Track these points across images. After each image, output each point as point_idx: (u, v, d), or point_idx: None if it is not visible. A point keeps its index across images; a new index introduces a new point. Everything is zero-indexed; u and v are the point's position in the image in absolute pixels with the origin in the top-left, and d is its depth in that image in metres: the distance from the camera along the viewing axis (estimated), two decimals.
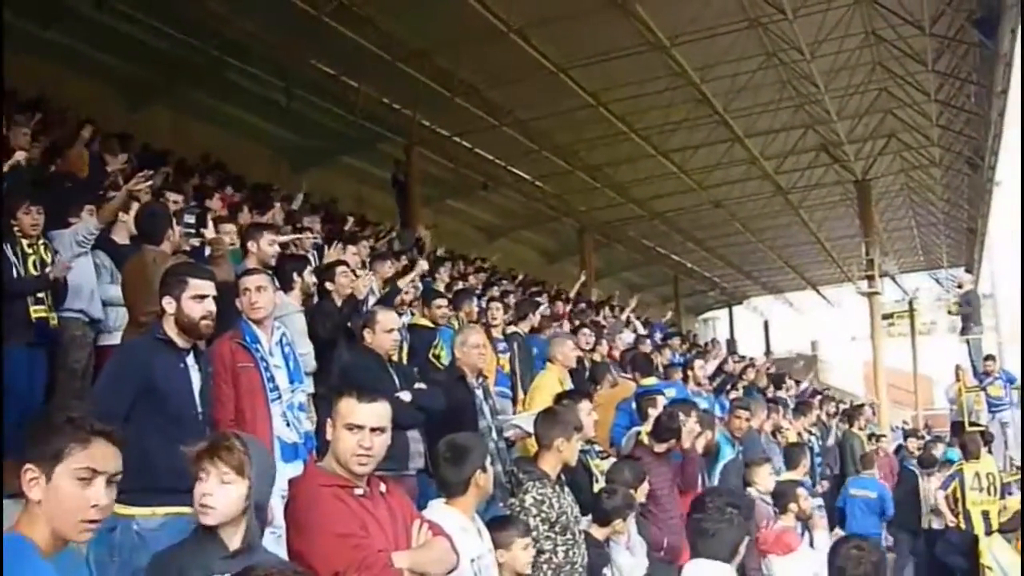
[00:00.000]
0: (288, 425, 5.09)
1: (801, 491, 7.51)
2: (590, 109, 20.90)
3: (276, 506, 4.51)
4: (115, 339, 6.46)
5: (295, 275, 7.09)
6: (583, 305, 18.36)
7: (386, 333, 6.11)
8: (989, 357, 17.53)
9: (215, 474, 3.02)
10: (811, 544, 7.65)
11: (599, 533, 5.40)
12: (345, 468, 3.47)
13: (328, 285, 7.53)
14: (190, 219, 8.44)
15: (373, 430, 3.50)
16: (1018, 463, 17.73)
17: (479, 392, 6.60)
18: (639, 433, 7.05)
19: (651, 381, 9.17)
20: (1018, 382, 17.82)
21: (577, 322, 13.46)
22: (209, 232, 6.91)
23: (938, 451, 14.22)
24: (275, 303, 5.52)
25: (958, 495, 11.46)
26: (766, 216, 31.53)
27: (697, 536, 3.74)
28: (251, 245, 6.93)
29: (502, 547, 4.35)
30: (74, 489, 2.44)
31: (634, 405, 7.92)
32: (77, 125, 10.82)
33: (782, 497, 7.44)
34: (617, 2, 16.31)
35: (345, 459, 3.46)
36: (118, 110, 16.46)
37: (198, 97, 18.36)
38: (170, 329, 4.37)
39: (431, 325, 8.48)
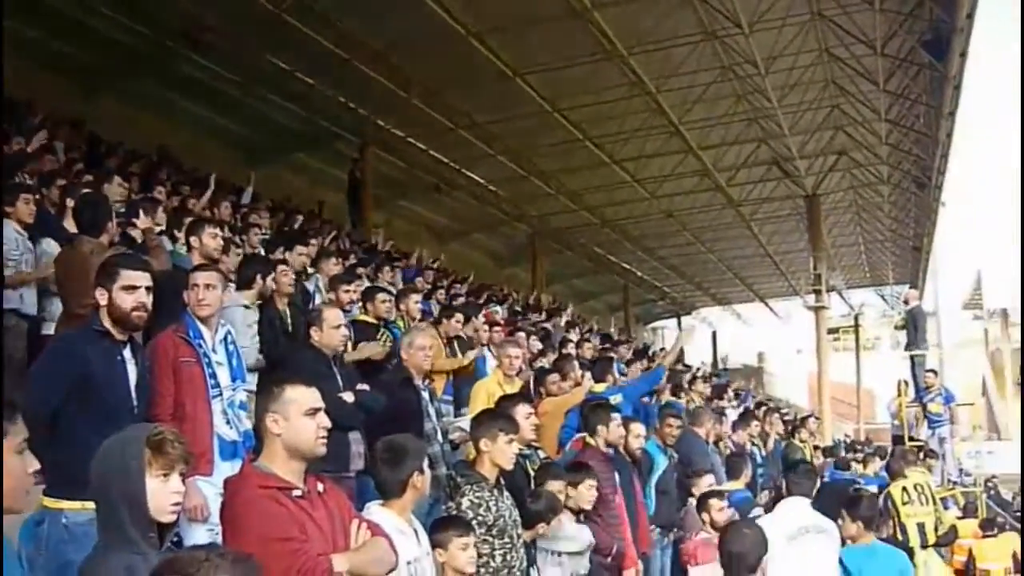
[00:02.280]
0: (228, 423, 5.03)
1: (714, 502, 7.51)
2: (546, 115, 20.95)
3: (212, 503, 4.47)
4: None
5: (258, 277, 7.03)
6: (533, 313, 18.37)
7: (334, 329, 6.08)
8: (931, 371, 17.81)
9: (178, 470, 2.93)
10: None
11: (525, 535, 5.38)
12: (307, 455, 3.42)
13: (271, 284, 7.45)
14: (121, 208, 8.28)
15: None
16: (954, 478, 18.09)
17: (425, 394, 6.59)
18: (584, 437, 7.06)
19: (601, 388, 9.18)
20: (956, 400, 18.14)
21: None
22: (142, 222, 6.82)
23: (876, 465, 14.39)
24: (222, 301, 5.46)
25: (891, 512, 11.58)
26: (717, 228, 31.83)
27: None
28: (193, 240, 6.83)
29: (440, 547, 4.34)
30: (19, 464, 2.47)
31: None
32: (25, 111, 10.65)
33: (699, 508, 7.53)
34: (576, 10, 16.36)
35: (310, 446, 3.40)
36: (70, 98, 16.15)
37: (152, 88, 18.11)
38: (106, 321, 4.30)
39: (374, 322, 8.40)
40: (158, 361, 4.81)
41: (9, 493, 2.45)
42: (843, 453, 16.38)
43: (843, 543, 6.44)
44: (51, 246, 6.83)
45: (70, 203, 7.16)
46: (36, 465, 2.57)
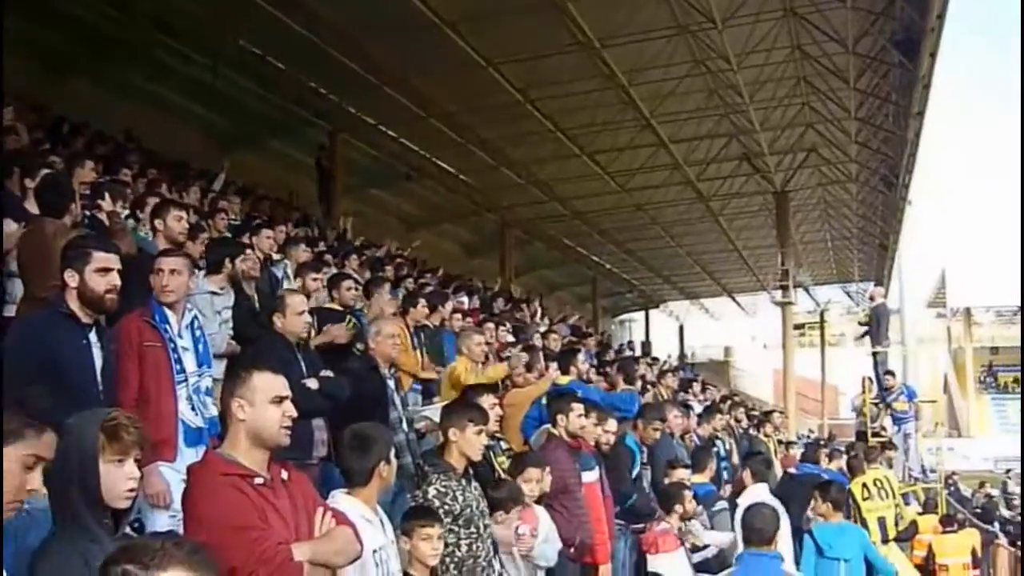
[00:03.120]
0: (193, 409, 4.99)
1: (687, 493, 7.74)
2: (517, 105, 20.89)
3: (175, 490, 4.42)
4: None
5: (227, 261, 6.95)
6: (502, 302, 18.34)
7: (297, 316, 6.02)
8: (889, 372, 17.98)
9: (133, 455, 2.90)
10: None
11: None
12: (270, 443, 3.39)
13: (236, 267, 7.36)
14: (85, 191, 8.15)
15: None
16: (916, 474, 18.29)
17: (391, 383, 6.57)
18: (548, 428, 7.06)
19: (565, 380, 9.17)
20: (918, 397, 18.36)
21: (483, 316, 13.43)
22: (107, 204, 6.73)
23: (841, 461, 14.50)
24: (188, 287, 5.40)
25: (853, 508, 11.71)
26: (686, 222, 31.96)
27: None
28: (158, 223, 6.76)
29: (406, 535, 4.35)
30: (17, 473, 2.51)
31: (544, 401, 7.95)
32: None
33: (668, 500, 7.69)
34: (550, 1, 16.31)
35: (273, 433, 3.38)
36: (39, 82, 15.88)
37: (123, 73, 17.88)
38: (73, 303, 4.24)
39: (340, 309, 8.34)
40: (123, 345, 4.76)
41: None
42: (804, 448, 16.52)
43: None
44: (10, 227, 6.70)
45: (29, 183, 6.99)
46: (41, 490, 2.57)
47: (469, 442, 4.98)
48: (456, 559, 4.76)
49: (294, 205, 18.17)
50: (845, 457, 14.73)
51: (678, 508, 7.60)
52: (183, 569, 2.07)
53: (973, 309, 57.17)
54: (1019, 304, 38.53)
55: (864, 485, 11.82)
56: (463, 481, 4.93)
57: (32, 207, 6.82)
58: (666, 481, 8.28)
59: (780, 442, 15.55)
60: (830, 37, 18.23)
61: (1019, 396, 44.62)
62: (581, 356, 10.39)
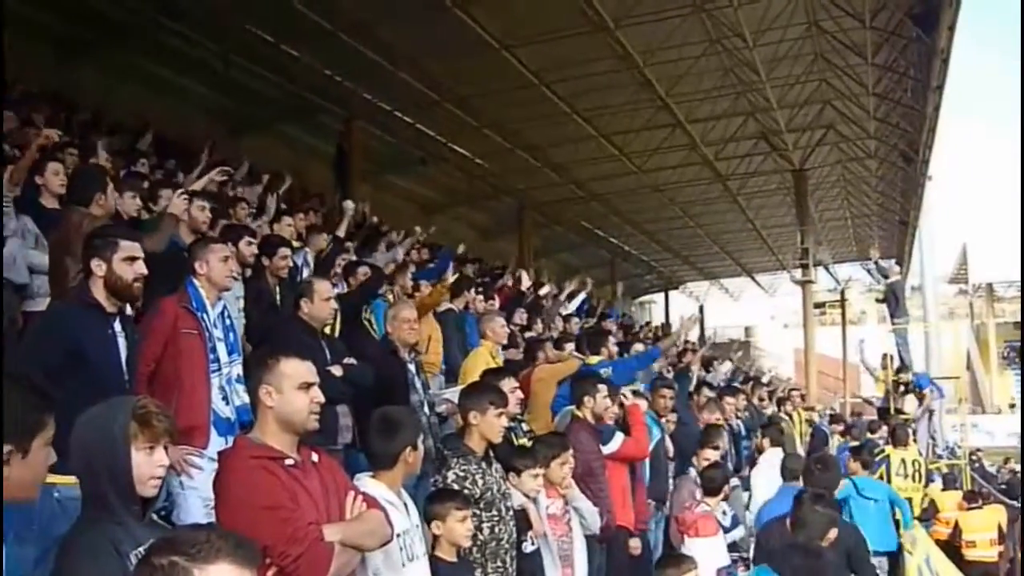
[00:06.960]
0: (224, 399, 5.05)
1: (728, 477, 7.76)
2: (533, 88, 20.80)
3: (208, 477, 4.47)
4: (40, 305, 6.25)
5: (229, 244, 6.98)
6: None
7: (324, 302, 6.05)
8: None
9: (163, 443, 2.92)
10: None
11: None
12: (299, 428, 3.43)
13: (264, 261, 7.40)
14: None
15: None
16: (940, 451, 18.24)
17: (411, 367, 6.59)
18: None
19: (595, 360, 9.19)
20: (927, 386, 18.34)
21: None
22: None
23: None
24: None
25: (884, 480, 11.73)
26: (704, 202, 31.79)
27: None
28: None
29: (438, 519, 4.37)
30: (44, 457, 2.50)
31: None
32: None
33: (713, 482, 7.57)
34: None
35: (301, 419, 3.41)
36: (47, 67, 15.90)
37: (132, 58, 17.86)
38: (98, 293, 4.26)
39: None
40: (155, 324, 4.83)
41: (31, 485, 2.48)
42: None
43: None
44: (28, 222, 6.66)
45: (39, 180, 6.94)
46: (55, 458, 2.57)
47: (490, 425, 4.98)
48: (479, 542, 4.78)
49: (313, 192, 18.14)
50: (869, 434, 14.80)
51: (726, 489, 7.55)
52: (229, 562, 2.05)
53: (995, 284, 56.77)
54: None
55: (903, 460, 11.91)
56: (483, 464, 4.94)
57: (47, 202, 6.79)
58: (695, 461, 8.30)
59: (808, 408, 15.67)
60: (846, 12, 18.07)
61: None
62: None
